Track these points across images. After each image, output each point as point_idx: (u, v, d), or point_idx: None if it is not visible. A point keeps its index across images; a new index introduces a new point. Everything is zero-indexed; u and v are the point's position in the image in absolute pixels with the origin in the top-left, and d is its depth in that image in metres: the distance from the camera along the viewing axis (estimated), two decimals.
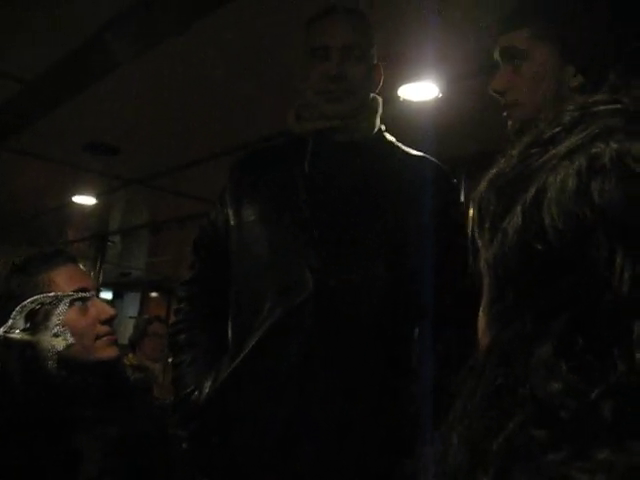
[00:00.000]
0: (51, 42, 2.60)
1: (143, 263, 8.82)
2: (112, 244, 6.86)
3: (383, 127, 1.44)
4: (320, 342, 1.25)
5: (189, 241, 1.58)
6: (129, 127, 3.50)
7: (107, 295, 10.62)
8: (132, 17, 2.33)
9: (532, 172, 0.46)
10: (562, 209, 0.42)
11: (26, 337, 1.11)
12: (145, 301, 10.88)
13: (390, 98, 2.70)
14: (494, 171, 0.51)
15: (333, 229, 1.31)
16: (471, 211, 0.52)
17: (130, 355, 3.41)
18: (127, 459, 1.13)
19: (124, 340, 3.53)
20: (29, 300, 1.13)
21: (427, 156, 1.41)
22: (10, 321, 1.11)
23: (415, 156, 1.41)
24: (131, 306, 10.79)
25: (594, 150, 0.43)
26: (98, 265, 6.64)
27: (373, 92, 1.43)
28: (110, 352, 1.18)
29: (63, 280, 1.16)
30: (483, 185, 0.51)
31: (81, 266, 1.25)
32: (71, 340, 1.12)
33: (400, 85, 2.71)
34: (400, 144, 1.43)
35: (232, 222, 1.40)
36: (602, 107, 0.47)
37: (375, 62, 1.41)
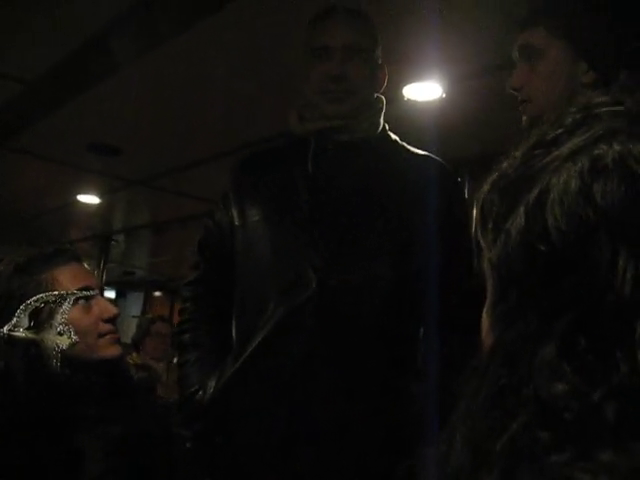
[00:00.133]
0: (52, 42, 2.60)
1: (146, 263, 8.84)
2: (116, 243, 6.87)
3: (387, 126, 1.43)
4: (322, 341, 1.25)
5: (191, 241, 1.58)
6: (130, 128, 3.50)
7: (110, 294, 10.64)
8: (132, 17, 2.34)
9: (535, 173, 0.46)
10: (565, 210, 0.42)
11: (30, 335, 1.11)
12: (148, 300, 10.91)
13: (394, 98, 2.70)
14: (497, 172, 0.51)
15: (335, 229, 1.31)
16: (474, 212, 0.52)
17: (134, 354, 3.42)
18: (129, 458, 1.13)
19: (127, 339, 3.53)
20: (33, 299, 1.13)
21: (431, 155, 1.41)
22: (14, 319, 1.11)
23: (419, 155, 1.41)
24: (134, 305, 10.82)
25: (596, 152, 0.43)
26: (102, 264, 6.66)
27: (377, 92, 1.42)
28: (113, 350, 1.18)
29: (67, 279, 1.16)
30: (486, 186, 0.51)
31: (85, 265, 1.25)
32: (75, 338, 1.12)
33: (404, 85, 2.71)
34: (404, 143, 1.43)
35: (237, 222, 1.41)
36: (605, 109, 0.47)
37: (379, 62, 1.41)
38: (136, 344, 3.53)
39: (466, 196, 1.43)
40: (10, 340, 1.11)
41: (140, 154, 3.97)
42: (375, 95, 1.41)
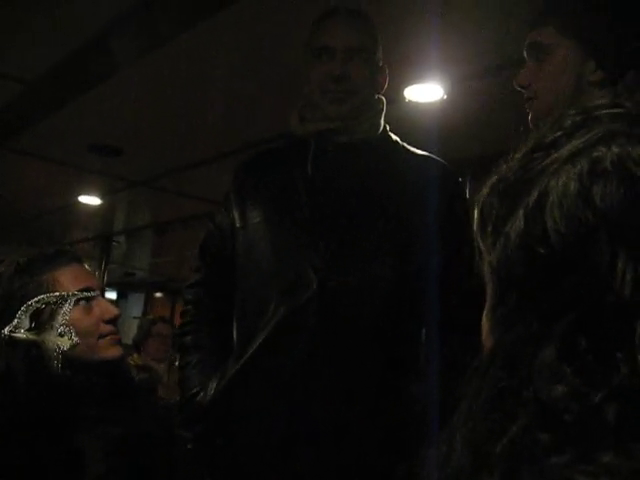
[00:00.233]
0: (53, 43, 2.61)
1: (147, 263, 8.84)
2: (117, 244, 6.88)
3: (388, 127, 1.44)
4: (323, 342, 1.25)
5: (192, 242, 1.58)
6: (131, 128, 3.51)
7: (112, 295, 10.65)
8: (133, 18, 2.34)
9: (534, 176, 0.46)
10: (564, 213, 0.43)
11: (31, 337, 1.11)
12: (149, 301, 10.92)
13: (396, 99, 2.70)
14: (496, 175, 0.51)
15: (335, 230, 1.31)
16: (474, 215, 0.52)
17: (135, 355, 3.42)
18: (129, 459, 1.13)
19: (128, 340, 3.53)
20: (34, 300, 1.13)
21: (432, 156, 1.41)
22: (15, 321, 1.11)
23: (420, 156, 1.41)
24: (135, 306, 10.83)
25: (596, 154, 0.43)
26: (103, 265, 6.66)
27: (378, 93, 1.43)
28: (114, 352, 1.18)
29: (68, 280, 1.16)
30: (485, 189, 0.51)
31: (86, 266, 1.25)
32: (76, 340, 1.12)
33: (406, 87, 2.71)
34: (405, 144, 1.43)
35: (238, 224, 1.41)
36: (604, 111, 0.47)
37: (380, 64, 1.41)
38: (137, 345, 3.53)
39: (467, 197, 1.42)
40: (11, 341, 1.10)
41: (141, 155, 3.97)
42: (376, 96, 1.42)
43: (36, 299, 1.13)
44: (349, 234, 1.30)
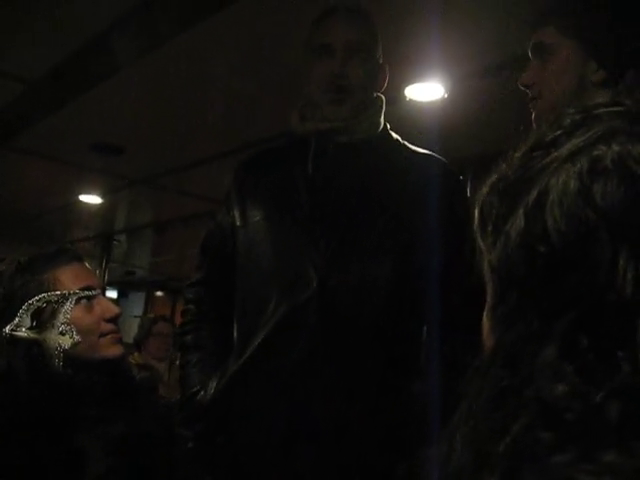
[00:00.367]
0: (54, 43, 2.61)
1: (148, 262, 8.85)
2: (118, 243, 6.88)
3: (388, 126, 1.44)
4: (323, 340, 1.25)
5: (193, 240, 1.58)
6: (132, 127, 3.51)
7: (112, 294, 10.65)
8: (133, 17, 2.34)
9: (534, 175, 0.46)
10: (564, 211, 0.43)
11: (32, 335, 1.11)
12: (150, 300, 10.92)
13: (396, 98, 2.70)
14: (496, 175, 0.51)
15: (335, 229, 1.31)
16: (475, 214, 0.52)
17: (135, 354, 3.42)
18: (129, 459, 1.13)
19: (129, 339, 3.53)
20: (35, 298, 1.13)
21: (433, 154, 1.41)
22: (16, 319, 1.12)
23: (420, 154, 1.41)
24: (136, 305, 10.83)
25: (596, 152, 0.43)
26: (104, 264, 6.66)
27: (378, 92, 1.42)
28: (115, 350, 1.18)
29: (69, 278, 1.17)
30: (485, 189, 0.51)
31: (87, 264, 1.25)
32: (77, 338, 1.12)
33: (406, 86, 2.71)
34: (405, 142, 1.43)
35: (238, 223, 1.41)
36: (604, 110, 0.47)
37: (380, 62, 1.41)
38: (138, 344, 3.53)
39: (468, 195, 1.42)
40: (12, 340, 1.11)
41: (142, 154, 3.97)
42: (375, 94, 1.42)
43: (37, 298, 1.13)
44: (349, 233, 1.30)
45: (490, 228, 0.49)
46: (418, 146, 1.43)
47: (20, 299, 1.13)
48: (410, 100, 2.81)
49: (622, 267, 0.40)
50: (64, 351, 1.11)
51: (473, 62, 2.47)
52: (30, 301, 1.13)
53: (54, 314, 1.13)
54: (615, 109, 0.47)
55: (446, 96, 2.76)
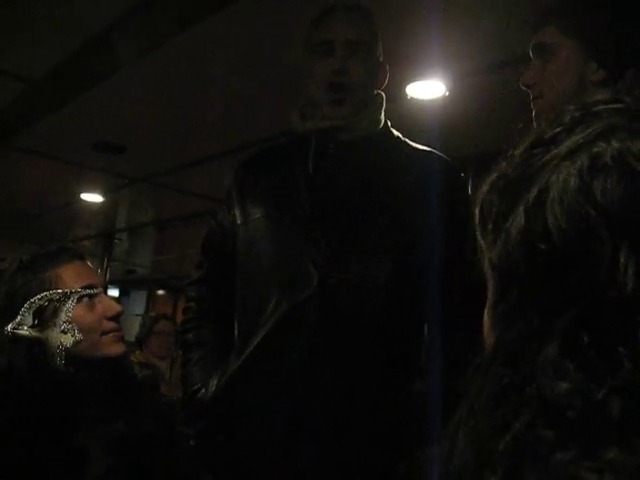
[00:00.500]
0: (54, 43, 2.61)
1: (149, 261, 8.85)
2: (119, 241, 6.88)
3: (389, 123, 1.43)
4: (323, 338, 1.25)
5: (194, 239, 1.58)
6: (133, 127, 3.51)
7: (114, 293, 10.66)
8: (134, 17, 2.34)
9: (534, 172, 0.46)
10: (565, 208, 0.42)
11: (34, 333, 1.11)
12: (152, 299, 10.92)
13: (397, 96, 2.70)
14: (496, 173, 0.51)
15: (336, 227, 1.31)
16: (475, 212, 0.52)
17: (137, 352, 3.42)
18: (129, 458, 1.13)
19: (131, 338, 3.54)
20: (37, 297, 1.13)
21: (434, 151, 1.41)
22: (18, 317, 1.12)
23: (422, 151, 1.41)
24: (138, 304, 10.83)
25: (595, 149, 0.43)
26: (105, 263, 6.67)
27: (378, 89, 1.42)
28: (117, 348, 1.18)
29: (70, 277, 1.17)
30: (485, 187, 0.51)
31: (88, 263, 1.25)
32: (79, 336, 1.12)
33: (407, 84, 2.71)
34: (406, 139, 1.43)
35: (239, 221, 1.41)
36: (603, 106, 0.47)
37: (380, 60, 1.41)
38: (139, 342, 3.54)
39: (469, 192, 1.42)
40: (14, 338, 1.11)
41: (143, 152, 3.98)
42: (375, 92, 1.42)
43: (39, 296, 1.13)
44: (350, 231, 1.30)
45: (490, 226, 0.49)
46: (419, 144, 1.43)
47: (22, 297, 1.13)
48: (411, 98, 2.81)
49: (623, 264, 0.40)
50: (66, 349, 1.11)
51: (474, 60, 2.46)
52: (32, 299, 1.13)
53: (56, 312, 1.13)
54: (614, 106, 0.47)
55: (447, 94, 2.76)
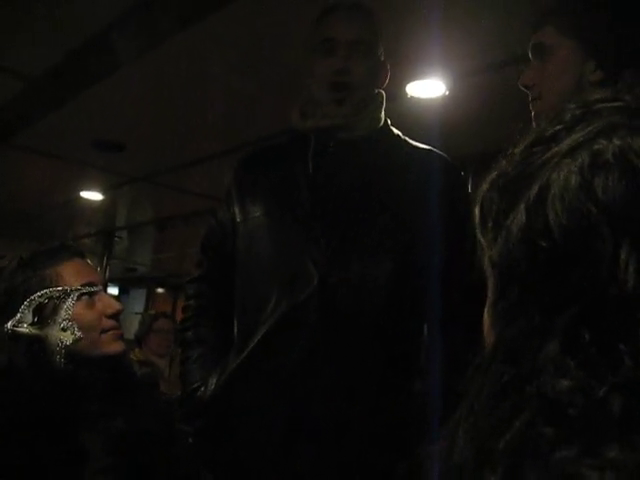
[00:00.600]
0: (54, 42, 2.61)
1: (148, 259, 8.85)
2: (119, 240, 6.88)
3: (389, 121, 1.43)
4: (324, 338, 1.25)
5: (193, 238, 1.58)
6: (133, 125, 3.51)
7: (113, 291, 10.65)
8: (134, 16, 2.34)
9: (534, 170, 0.46)
10: (566, 206, 0.43)
11: (34, 331, 1.11)
12: (151, 297, 10.91)
13: (398, 95, 2.70)
14: (496, 171, 0.51)
15: (336, 226, 1.31)
16: (475, 211, 0.52)
17: (136, 350, 3.42)
18: (129, 455, 1.13)
19: (130, 336, 3.54)
20: (37, 294, 1.13)
21: (434, 149, 1.41)
22: (18, 315, 1.12)
23: (422, 149, 1.41)
24: (137, 302, 10.82)
25: (596, 147, 0.44)
26: (105, 261, 6.66)
27: (379, 88, 1.42)
28: (116, 347, 1.18)
29: (70, 274, 1.17)
30: (485, 185, 0.51)
31: (88, 261, 1.25)
32: (79, 334, 1.12)
33: (407, 83, 2.71)
34: (406, 138, 1.43)
35: (238, 219, 1.41)
36: (603, 105, 0.48)
37: (382, 59, 1.41)
38: (139, 340, 3.54)
39: (469, 191, 1.42)
40: (14, 335, 1.11)
41: (143, 151, 3.98)
42: (376, 91, 1.42)
43: (39, 294, 1.13)
44: (350, 230, 1.30)
45: (490, 224, 0.49)
46: (419, 143, 1.43)
47: (22, 295, 1.13)
48: (411, 97, 2.81)
49: (624, 261, 0.40)
50: (65, 347, 1.11)
51: (474, 59, 2.46)
52: (32, 297, 1.13)
53: (56, 310, 1.13)
54: (615, 104, 0.47)
55: (447, 93, 2.76)
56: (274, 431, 1.27)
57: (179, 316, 1.63)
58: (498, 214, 0.48)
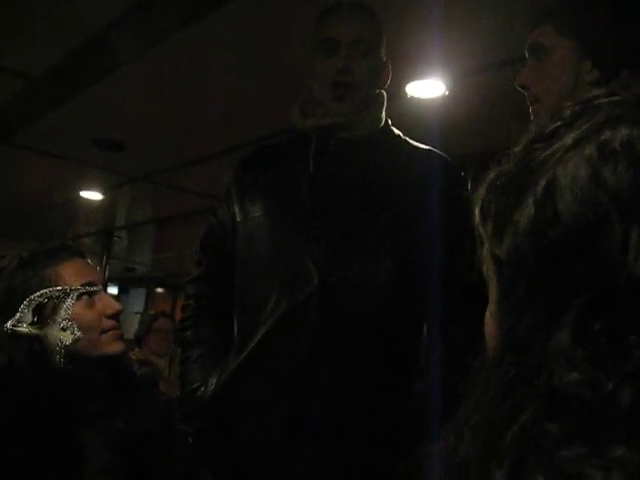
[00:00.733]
0: (54, 42, 2.61)
1: (148, 259, 8.84)
2: (118, 239, 6.88)
3: (390, 121, 1.43)
4: (324, 338, 1.25)
5: (193, 237, 1.58)
6: (133, 125, 3.51)
7: (113, 290, 10.65)
8: (134, 15, 2.34)
9: (538, 166, 0.46)
10: (576, 196, 0.43)
11: (34, 331, 1.11)
12: (151, 297, 10.91)
13: (397, 95, 2.70)
14: (497, 171, 0.51)
15: (336, 225, 1.31)
16: (475, 210, 0.52)
17: (136, 350, 3.42)
18: (128, 455, 1.13)
19: (129, 335, 3.54)
20: (37, 294, 1.13)
21: (434, 150, 1.41)
22: (18, 315, 1.12)
23: (422, 149, 1.41)
24: (137, 302, 10.82)
25: (603, 137, 0.44)
26: (104, 260, 6.66)
27: (380, 88, 1.42)
28: (116, 347, 1.18)
29: (70, 274, 1.17)
30: (485, 184, 0.51)
31: (88, 261, 1.25)
32: (78, 334, 1.12)
33: (407, 83, 2.71)
34: (407, 138, 1.43)
35: (238, 218, 1.41)
36: (603, 100, 0.48)
37: (384, 59, 1.41)
38: (138, 340, 3.54)
39: (469, 191, 1.42)
40: (14, 335, 1.11)
41: (143, 150, 3.98)
42: (377, 91, 1.41)
43: (39, 293, 1.13)
44: (350, 229, 1.30)
45: (492, 224, 0.49)
46: (419, 143, 1.43)
47: (22, 294, 1.13)
48: (411, 97, 2.81)
49: (634, 246, 0.40)
50: (65, 347, 1.11)
51: (474, 59, 2.46)
52: (32, 296, 1.13)
53: (55, 310, 1.13)
54: (614, 99, 0.47)
55: (447, 93, 2.75)
56: (274, 431, 1.27)
57: (178, 316, 1.63)
58: (501, 212, 0.48)
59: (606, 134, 0.44)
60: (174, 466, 1.22)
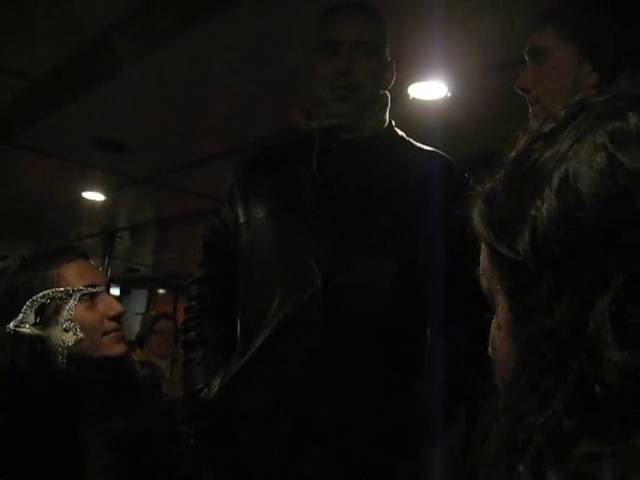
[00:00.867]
0: (55, 42, 2.62)
1: (150, 260, 8.85)
2: (120, 240, 6.88)
3: (393, 122, 1.43)
4: (327, 339, 1.25)
5: (195, 238, 1.58)
6: (135, 126, 3.52)
7: (115, 291, 10.66)
8: (135, 16, 2.35)
9: (543, 165, 0.46)
10: (595, 180, 0.43)
11: (36, 331, 1.11)
12: (152, 298, 10.91)
13: (399, 97, 2.70)
14: (496, 174, 0.51)
15: (339, 226, 1.31)
16: (474, 216, 0.52)
17: (138, 351, 3.42)
18: (129, 457, 1.13)
19: (131, 336, 3.54)
20: (39, 295, 1.13)
21: (437, 151, 1.40)
22: (20, 315, 1.12)
23: (425, 151, 1.40)
24: (138, 303, 10.82)
25: (611, 126, 0.45)
26: (106, 261, 6.67)
27: (384, 89, 1.42)
28: (117, 348, 1.18)
29: (73, 275, 1.17)
30: (488, 185, 0.51)
31: (91, 262, 1.25)
32: (80, 335, 1.12)
33: (409, 84, 2.71)
34: (410, 139, 1.43)
35: (242, 220, 1.41)
36: (596, 99, 0.49)
37: (388, 60, 1.40)
38: (140, 341, 3.54)
39: (472, 193, 1.42)
40: (16, 336, 1.11)
41: (145, 151, 3.98)
42: (381, 92, 1.41)
43: (41, 294, 1.13)
44: (353, 231, 1.30)
45: (503, 225, 0.49)
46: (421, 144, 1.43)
47: (24, 295, 1.13)
48: (413, 99, 2.81)
49: None
50: (67, 348, 1.11)
51: (476, 61, 2.46)
52: (34, 297, 1.13)
53: (58, 311, 1.13)
54: (607, 97, 0.49)
55: (449, 95, 2.75)
56: (281, 433, 1.26)
57: (180, 317, 1.63)
58: (510, 214, 0.48)
59: (615, 124, 0.45)
60: (176, 467, 1.22)
